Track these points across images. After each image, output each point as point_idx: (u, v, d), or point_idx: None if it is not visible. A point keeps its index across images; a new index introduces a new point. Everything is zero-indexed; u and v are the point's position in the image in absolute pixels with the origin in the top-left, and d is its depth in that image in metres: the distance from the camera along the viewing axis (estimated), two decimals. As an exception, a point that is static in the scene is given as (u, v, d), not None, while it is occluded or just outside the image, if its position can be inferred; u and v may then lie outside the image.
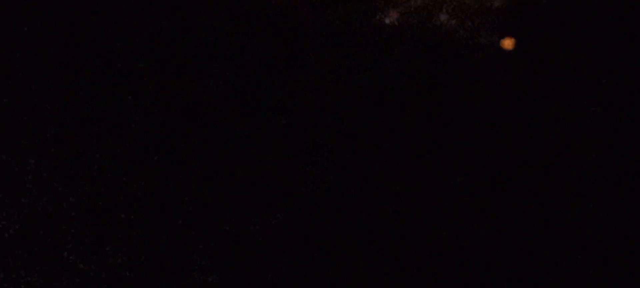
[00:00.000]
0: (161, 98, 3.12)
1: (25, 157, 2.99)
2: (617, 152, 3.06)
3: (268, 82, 3.18)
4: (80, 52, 3.12)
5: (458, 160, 3.07)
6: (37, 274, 2.85)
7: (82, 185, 2.98)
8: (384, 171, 3.08)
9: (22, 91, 3.06)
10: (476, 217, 3.01)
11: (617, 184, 3.03)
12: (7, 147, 2.99)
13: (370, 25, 3.27)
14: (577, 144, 3.07)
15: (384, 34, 3.28)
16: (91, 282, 2.86)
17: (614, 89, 3.13)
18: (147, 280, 2.89)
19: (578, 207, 3.01)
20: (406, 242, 2.98)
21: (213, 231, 2.97)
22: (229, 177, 3.04)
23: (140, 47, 3.15)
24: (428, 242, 2.98)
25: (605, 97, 3.12)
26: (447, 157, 3.09)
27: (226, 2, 3.29)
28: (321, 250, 2.97)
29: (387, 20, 3.27)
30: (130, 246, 2.91)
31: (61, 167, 2.99)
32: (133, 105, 3.10)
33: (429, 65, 3.21)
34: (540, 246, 2.98)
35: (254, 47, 3.21)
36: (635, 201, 2.99)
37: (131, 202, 2.98)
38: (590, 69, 3.14)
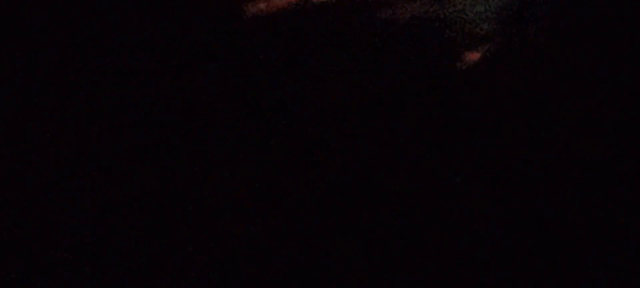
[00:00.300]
0: (161, 98, 3.13)
1: (25, 157, 2.99)
2: (617, 152, 3.07)
3: (268, 82, 3.18)
4: (80, 52, 3.12)
5: (458, 160, 3.08)
6: (37, 274, 2.85)
7: (82, 185, 2.98)
8: (384, 171, 3.08)
9: (22, 91, 3.06)
10: (476, 217, 3.01)
11: (617, 184, 3.04)
12: (7, 147, 3.00)
13: (370, 25, 3.27)
14: (577, 144, 3.07)
15: (385, 34, 3.28)
16: (91, 281, 2.86)
17: (614, 89, 3.13)
18: (147, 280, 2.89)
19: (578, 207, 3.01)
20: (406, 242, 2.98)
21: (213, 231, 2.97)
22: (229, 177, 3.04)
23: (140, 47, 3.16)
24: (428, 242, 2.98)
25: (605, 97, 3.12)
26: (447, 157, 3.09)
27: (227, 2, 3.29)
28: (321, 250, 2.97)
29: (386, 20, 3.27)
30: (130, 246, 2.91)
31: (61, 167, 3.00)
32: (133, 105, 3.10)
33: (429, 65, 3.21)
34: (541, 246, 2.98)
35: (254, 47, 3.21)
36: (635, 201, 2.99)
37: (131, 202, 2.98)
38: (590, 68, 3.14)
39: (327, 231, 2.99)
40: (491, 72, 3.17)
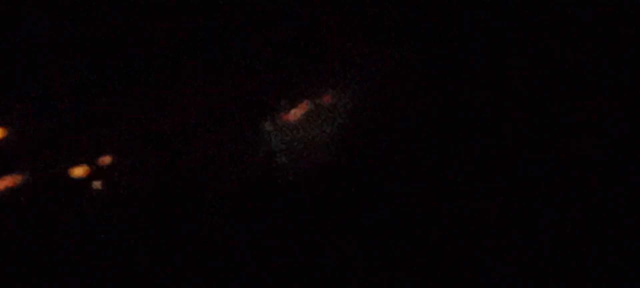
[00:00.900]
0: (161, 97, 3.13)
1: (25, 156, 2.99)
2: (617, 152, 3.06)
3: (268, 82, 3.18)
4: (80, 52, 3.12)
5: (458, 160, 3.07)
6: (36, 274, 2.85)
7: (82, 185, 2.98)
8: (384, 171, 3.08)
9: (21, 91, 3.06)
10: (476, 217, 3.00)
11: (617, 184, 3.03)
12: (6, 146, 3.00)
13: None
14: (577, 143, 3.07)
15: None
16: (91, 281, 2.87)
17: (614, 89, 3.12)
18: (147, 280, 2.89)
19: (578, 207, 3.01)
20: (406, 242, 2.98)
21: (213, 231, 2.97)
22: (228, 177, 3.04)
23: (140, 47, 3.16)
24: (428, 242, 2.98)
25: (605, 97, 3.12)
26: (447, 157, 3.09)
27: (227, 3, 3.29)
28: (320, 250, 2.97)
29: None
30: (130, 246, 2.91)
31: (61, 166, 3.00)
32: (133, 105, 3.10)
33: (428, 65, 3.21)
34: (540, 246, 2.98)
35: (254, 47, 3.21)
36: (635, 201, 2.99)
37: (131, 202, 2.98)
38: (590, 68, 3.14)
39: (326, 231, 2.99)
40: (491, 71, 3.17)
